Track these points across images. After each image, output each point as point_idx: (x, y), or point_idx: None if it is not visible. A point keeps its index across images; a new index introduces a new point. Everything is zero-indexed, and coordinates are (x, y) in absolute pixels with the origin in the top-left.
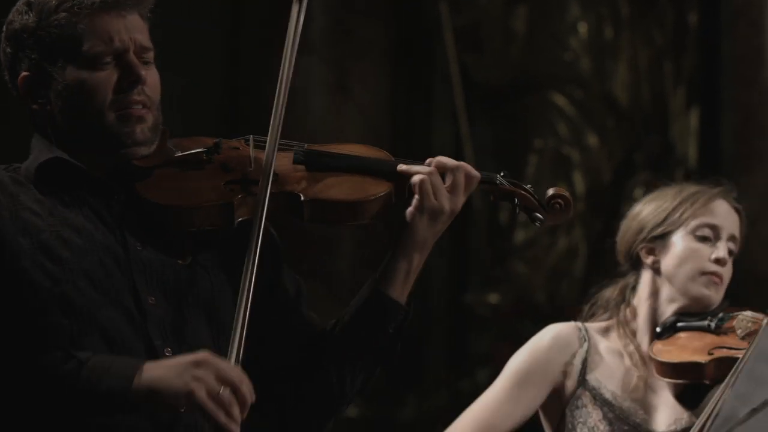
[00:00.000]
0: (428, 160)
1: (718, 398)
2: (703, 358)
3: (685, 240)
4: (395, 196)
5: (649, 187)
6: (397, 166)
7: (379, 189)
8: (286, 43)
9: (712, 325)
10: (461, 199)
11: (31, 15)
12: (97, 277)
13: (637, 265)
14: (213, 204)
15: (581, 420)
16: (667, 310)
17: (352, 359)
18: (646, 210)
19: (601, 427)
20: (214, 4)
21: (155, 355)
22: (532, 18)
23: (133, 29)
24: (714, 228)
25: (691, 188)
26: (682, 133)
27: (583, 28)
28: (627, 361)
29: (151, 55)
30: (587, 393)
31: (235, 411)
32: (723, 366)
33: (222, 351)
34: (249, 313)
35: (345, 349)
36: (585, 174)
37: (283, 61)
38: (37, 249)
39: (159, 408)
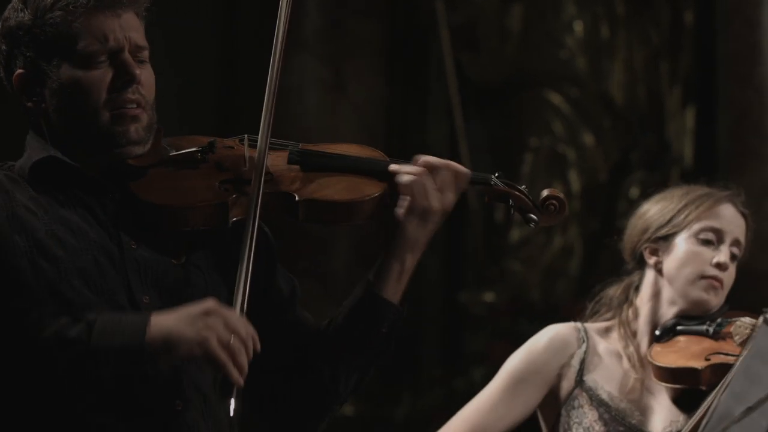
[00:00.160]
0: (414, 158)
1: (713, 398)
2: (699, 364)
3: (687, 242)
4: (390, 196)
5: (645, 186)
6: (389, 166)
7: (373, 189)
8: (274, 38)
9: (711, 330)
10: (452, 198)
11: (26, 12)
12: (91, 276)
13: (641, 265)
14: (207, 204)
15: (577, 420)
16: (668, 313)
17: (346, 359)
18: (652, 210)
19: (597, 427)
20: (210, 2)
21: None
22: (527, 16)
23: (128, 28)
24: (717, 232)
25: (698, 190)
26: (678, 132)
27: (578, 26)
28: (625, 362)
29: (146, 54)
30: (584, 393)
31: (243, 360)
32: (719, 372)
33: None
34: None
35: (339, 349)
36: (580, 173)
37: (272, 58)
38: (32, 247)
39: (172, 359)
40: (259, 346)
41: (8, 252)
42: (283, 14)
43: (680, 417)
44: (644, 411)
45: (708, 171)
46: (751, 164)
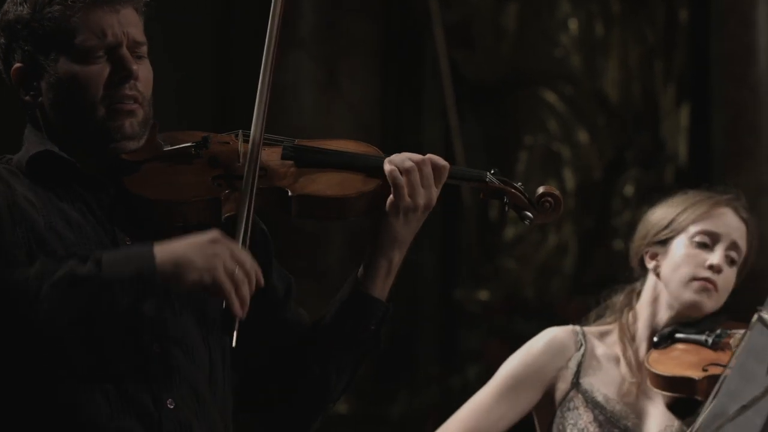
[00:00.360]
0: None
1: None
2: (697, 374)
3: (683, 245)
4: (384, 192)
5: (640, 184)
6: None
7: (367, 185)
8: (267, 32)
9: (710, 340)
10: (434, 192)
11: (25, 6)
12: None
13: (644, 270)
14: (200, 199)
15: (572, 422)
16: (665, 317)
17: (335, 357)
18: (654, 214)
19: (592, 429)
20: None
21: (144, 351)
22: (522, 14)
23: (126, 23)
24: (712, 235)
25: (698, 195)
26: (673, 130)
27: (573, 24)
28: (623, 366)
29: (144, 50)
30: (579, 395)
31: (245, 292)
32: (716, 383)
33: (211, 349)
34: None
35: (327, 347)
36: (575, 171)
37: (265, 50)
38: (31, 240)
39: (182, 286)
40: (262, 281)
41: (7, 242)
42: (278, 4)
43: (675, 422)
44: (639, 414)
45: (703, 170)
46: (746, 163)
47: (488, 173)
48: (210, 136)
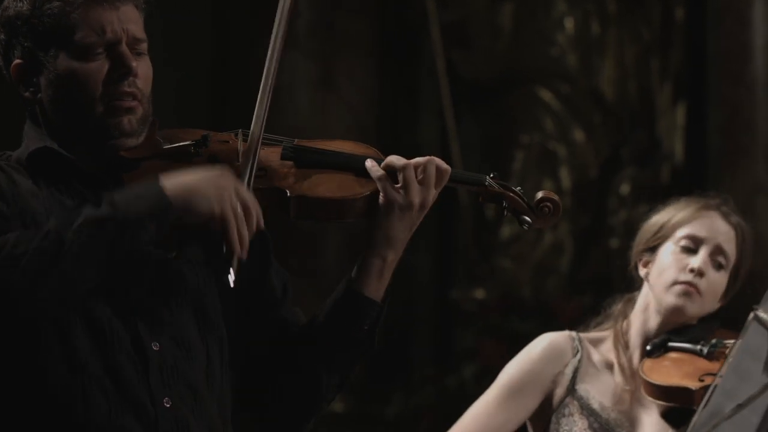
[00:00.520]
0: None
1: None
2: (693, 384)
3: (669, 251)
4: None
5: (636, 183)
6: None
7: (367, 187)
8: (273, 31)
9: (705, 350)
10: (431, 193)
11: (25, 3)
12: None
13: (641, 278)
14: None
15: (567, 428)
16: (655, 324)
17: (328, 357)
18: (647, 222)
19: None
20: None
21: (142, 347)
22: (518, 13)
23: (126, 20)
24: (695, 239)
25: (687, 201)
26: (669, 128)
27: (569, 23)
28: (617, 373)
29: (144, 47)
30: (575, 402)
31: (245, 231)
32: None
33: (209, 345)
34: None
35: (321, 347)
36: (571, 169)
37: (269, 51)
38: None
39: (193, 217)
40: (262, 223)
41: (5, 229)
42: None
43: (669, 431)
44: (633, 422)
45: (699, 168)
46: (742, 162)
47: (487, 177)
48: (210, 134)
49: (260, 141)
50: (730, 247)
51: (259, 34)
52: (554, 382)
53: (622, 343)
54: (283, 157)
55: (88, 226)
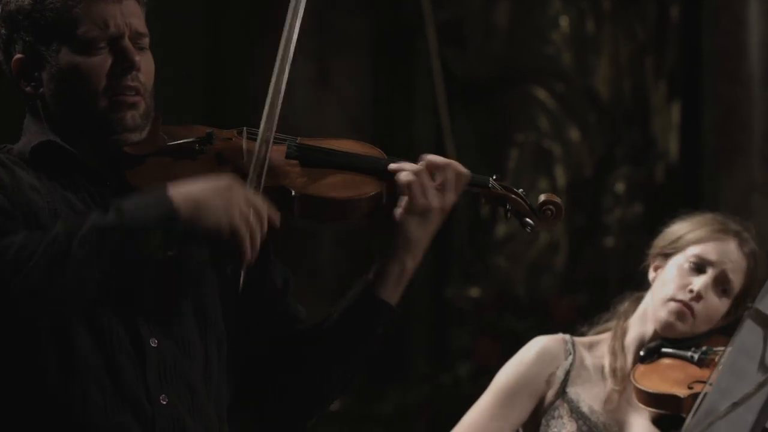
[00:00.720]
0: (420, 158)
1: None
2: (682, 392)
3: (677, 265)
4: (387, 195)
5: (631, 182)
6: (388, 165)
7: (371, 188)
8: (283, 33)
9: (696, 356)
10: (451, 198)
11: None
12: None
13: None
14: None
15: (555, 430)
16: (650, 331)
17: (338, 357)
18: (669, 228)
19: None
20: None
21: (140, 344)
22: (513, 12)
23: (129, 14)
24: (704, 261)
25: (711, 219)
26: (664, 127)
27: (564, 22)
28: (609, 376)
29: (146, 41)
30: (565, 405)
31: (258, 237)
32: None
33: (208, 343)
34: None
35: (331, 347)
36: (566, 168)
37: (279, 52)
38: (34, 226)
39: (201, 230)
40: (276, 223)
41: (10, 227)
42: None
43: None
44: (623, 427)
45: (694, 167)
46: (737, 160)
47: (491, 179)
48: (214, 131)
49: (270, 144)
50: (738, 277)
51: (254, 33)
52: (547, 384)
53: (618, 345)
54: (288, 156)
55: (94, 233)
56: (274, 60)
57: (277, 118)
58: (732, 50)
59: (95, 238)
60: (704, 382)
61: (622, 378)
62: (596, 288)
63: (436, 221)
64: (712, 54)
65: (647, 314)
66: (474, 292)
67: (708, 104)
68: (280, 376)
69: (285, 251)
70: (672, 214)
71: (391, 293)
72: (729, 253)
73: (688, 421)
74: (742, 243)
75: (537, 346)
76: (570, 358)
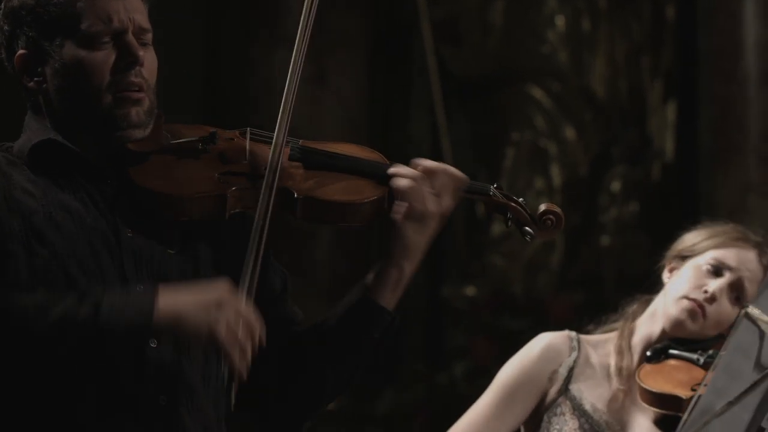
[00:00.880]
0: (412, 162)
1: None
2: (684, 393)
3: (695, 266)
4: (388, 200)
5: (626, 181)
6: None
7: (373, 192)
8: (297, 40)
9: (702, 359)
10: (448, 203)
11: None
12: (86, 262)
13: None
14: (206, 195)
15: (557, 427)
16: (658, 331)
17: (335, 360)
18: (689, 233)
19: None
20: None
21: (140, 348)
22: (509, 10)
23: (132, 9)
24: (722, 265)
25: (733, 228)
26: (660, 126)
27: (560, 20)
28: (614, 375)
29: (149, 37)
30: (567, 402)
31: (249, 352)
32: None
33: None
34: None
35: (329, 350)
36: (562, 167)
37: (293, 60)
38: (28, 231)
39: (178, 340)
40: (264, 341)
41: (3, 236)
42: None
43: None
44: (624, 426)
45: (690, 166)
46: (733, 159)
47: (492, 187)
48: (217, 131)
49: (282, 148)
50: (752, 287)
51: (249, 33)
52: (550, 380)
53: (625, 344)
54: (292, 158)
55: (62, 323)
56: (273, 59)
57: (288, 122)
58: (728, 49)
59: (62, 327)
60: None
61: (627, 377)
62: (592, 287)
63: (434, 227)
64: (708, 53)
65: (657, 314)
66: (470, 291)
67: (704, 103)
68: (278, 377)
69: (280, 251)
70: (669, 213)
71: (389, 298)
72: (748, 261)
73: (684, 419)
74: (761, 254)
75: (541, 342)
76: (574, 354)
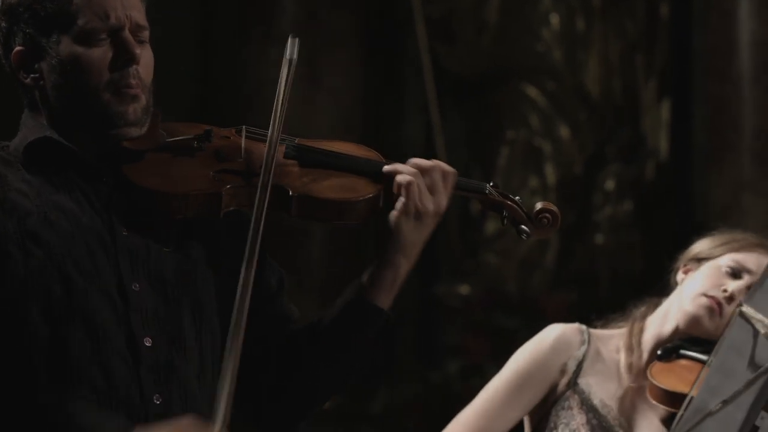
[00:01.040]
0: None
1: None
2: (695, 393)
3: (713, 266)
4: (384, 198)
5: (621, 179)
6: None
7: (369, 190)
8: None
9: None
10: (443, 199)
11: None
12: (82, 262)
13: (675, 286)
14: (201, 192)
15: (564, 421)
16: (669, 329)
17: (329, 361)
18: (706, 237)
19: (583, 431)
20: None
21: (134, 343)
22: (504, 8)
23: (129, 6)
24: (743, 267)
25: (753, 236)
26: (654, 125)
27: (554, 19)
28: (623, 371)
29: (146, 35)
30: (576, 396)
31: None
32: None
33: (203, 344)
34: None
35: (322, 350)
36: (556, 166)
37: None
38: (23, 232)
39: None
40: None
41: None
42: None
43: None
44: (632, 424)
45: (684, 165)
46: (728, 158)
47: (488, 185)
48: (213, 129)
49: (277, 145)
50: None
51: (241, 32)
52: (561, 372)
53: (635, 341)
54: (287, 156)
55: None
56: (267, 58)
57: (282, 119)
58: (722, 48)
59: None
60: None
61: (636, 375)
62: (586, 285)
63: (430, 225)
64: (702, 52)
65: (670, 313)
66: (464, 289)
67: (698, 102)
68: (274, 376)
69: (273, 249)
70: (663, 212)
71: (384, 298)
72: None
73: (678, 417)
74: None
75: (554, 333)
76: (584, 348)
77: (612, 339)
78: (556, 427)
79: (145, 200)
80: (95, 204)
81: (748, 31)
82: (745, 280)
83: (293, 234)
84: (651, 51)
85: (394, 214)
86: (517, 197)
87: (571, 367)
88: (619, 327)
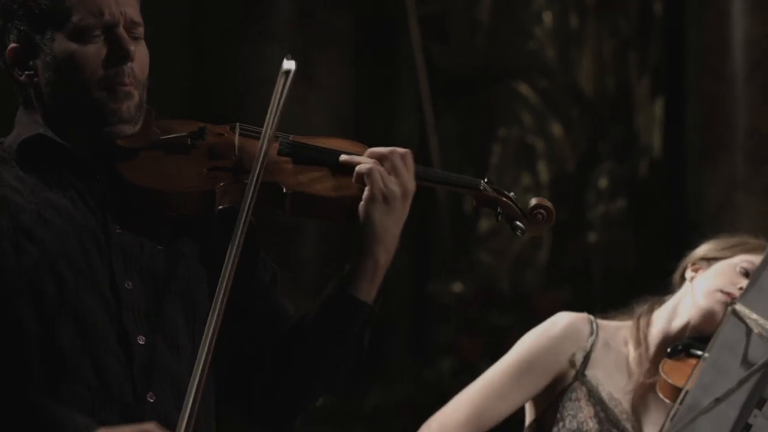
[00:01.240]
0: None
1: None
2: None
3: (726, 266)
4: None
5: (614, 177)
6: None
7: (363, 187)
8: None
9: None
10: (407, 180)
11: None
12: (75, 260)
13: (681, 282)
14: (195, 190)
15: (571, 413)
16: (678, 325)
17: (317, 357)
18: (718, 238)
19: (591, 424)
20: None
21: (127, 341)
22: (497, 7)
23: (123, 3)
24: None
25: (761, 239)
26: (647, 123)
27: (547, 17)
28: (633, 365)
29: (141, 31)
30: (584, 388)
31: None
32: None
33: (196, 339)
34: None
35: (311, 346)
36: (549, 163)
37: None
38: (16, 229)
39: None
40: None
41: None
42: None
43: None
44: (639, 418)
45: (677, 163)
46: (721, 157)
47: (482, 181)
48: (206, 126)
49: (270, 141)
50: None
51: (233, 31)
52: (569, 362)
53: (642, 335)
54: (281, 153)
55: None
56: (261, 56)
57: (278, 117)
58: (716, 46)
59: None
60: None
61: (644, 368)
62: (579, 283)
63: (399, 209)
64: (695, 50)
65: (678, 308)
66: (457, 287)
67: (691, 100)
68: (268, 372)
69: (266, 246)
70: (657, 209)
71: (366, 290)
72: None
73: (671, 414)
74: None
75: (564, 321)
76: (592, 338)
77: (620, 331)
78: (563, 419)
79: (139, 198)
80: (89, 202)
81: (742, 29)
82: None
83: (287, 232)
84: (644, 48)
85: (362, 205)
86: (511, 193)
87: (579, 358)
88: (622, 320)
